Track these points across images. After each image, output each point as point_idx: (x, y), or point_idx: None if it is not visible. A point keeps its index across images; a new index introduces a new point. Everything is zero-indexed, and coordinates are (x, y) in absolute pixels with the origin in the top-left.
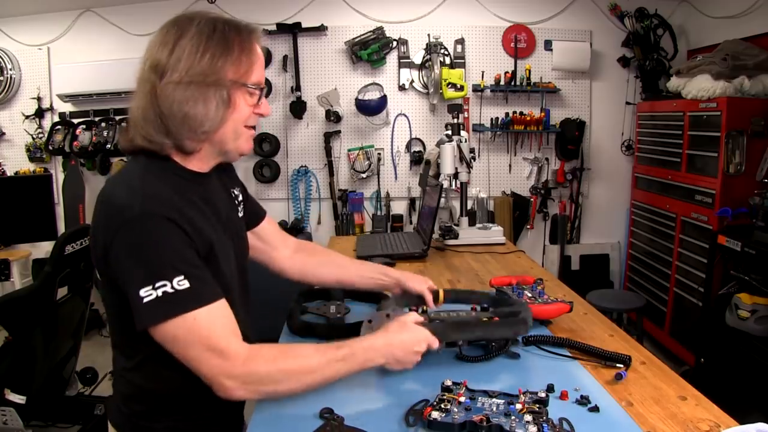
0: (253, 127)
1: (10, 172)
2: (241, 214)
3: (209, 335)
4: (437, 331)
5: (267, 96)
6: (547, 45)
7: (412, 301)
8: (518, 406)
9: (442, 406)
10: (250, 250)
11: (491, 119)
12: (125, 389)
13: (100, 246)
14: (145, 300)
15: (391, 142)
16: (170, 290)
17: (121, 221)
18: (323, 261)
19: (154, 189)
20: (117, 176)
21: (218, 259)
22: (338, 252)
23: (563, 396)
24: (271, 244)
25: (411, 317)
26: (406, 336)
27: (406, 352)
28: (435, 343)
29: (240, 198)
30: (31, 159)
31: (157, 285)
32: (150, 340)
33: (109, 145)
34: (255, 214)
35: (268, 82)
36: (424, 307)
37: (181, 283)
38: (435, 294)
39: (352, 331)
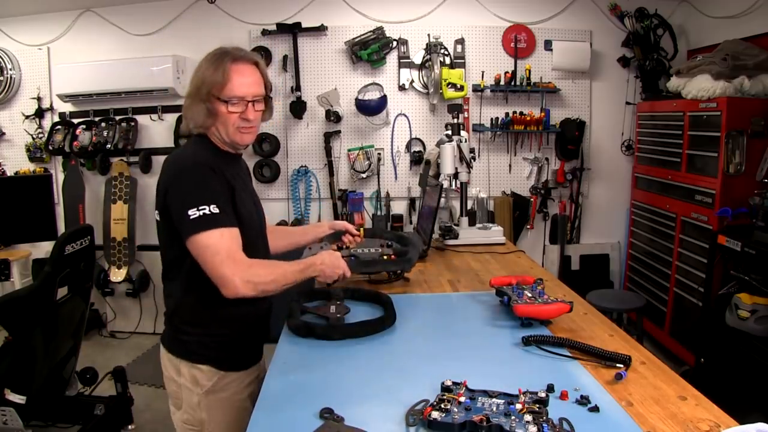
0: (248, 126)
1: (10, 172)
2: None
3: (230, 246)
4: (351, 265)
5: None
6: (547, 45)
7: (338, 238)
8: (518, 406)
9: (442, 406)
10: None
11: (491, 119)
12: (170, 307)
13: (162, 190)
14: (192, 217)
15: (391, 142)
16: (208, 212)
17: (180, 169)
18: (277, 235)
19: (201, 153)
20: (178, 149)
21: (237, 204)
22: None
23: (563, 396)
24: None
25: (336, 252)
26: (330, 260)
27: (331, 269)
28: (348, 273)
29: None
30: (31, 159)
31: (200, 208)
32: (188, 258)
33: (109, 145)
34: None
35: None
36: (345, 245)
37: (214, 209)
38: (358, 230)
39: (350, 331)
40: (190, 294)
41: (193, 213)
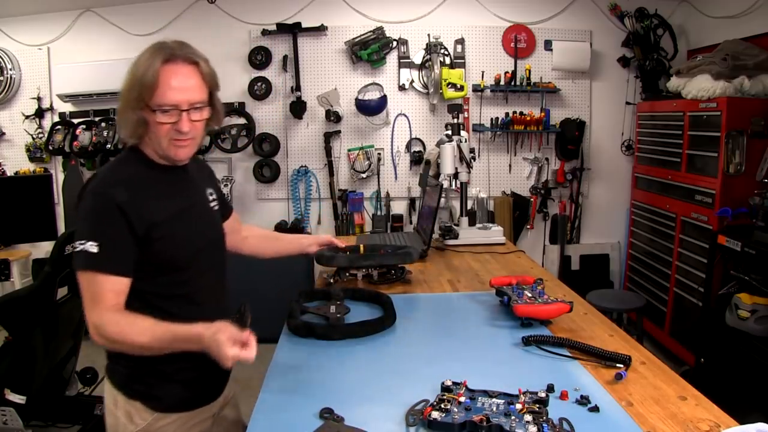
0: (183, 139)
1: (10, 172)
2: (215, 208)
3: (95, 293)
4: (350, 260)
5: (266, 96)
6: (547, 45)
7: (329, 250)
8: (518, 406)
9: (442, 406)
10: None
11: (491, 119)
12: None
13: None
14: (75, 249)
15: (391, 142)
16: (87, 250)
17: (86, 193)
18: (265, 239)
19: (113, 174)
20: (104, 165)
21: (164, 228)
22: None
23: (563, 396)
24: (232, 228)
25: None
26: (214, 347)
27: (216, 353)
28: (228, 363)
29: (214, 197)
30: (31, 159)
31: (81, 242)
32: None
33: (109, 145)
34: (226, 210)
35: (266, 82)
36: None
37: (92, 247)
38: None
39: (351, 331)
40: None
41: (77, 245)
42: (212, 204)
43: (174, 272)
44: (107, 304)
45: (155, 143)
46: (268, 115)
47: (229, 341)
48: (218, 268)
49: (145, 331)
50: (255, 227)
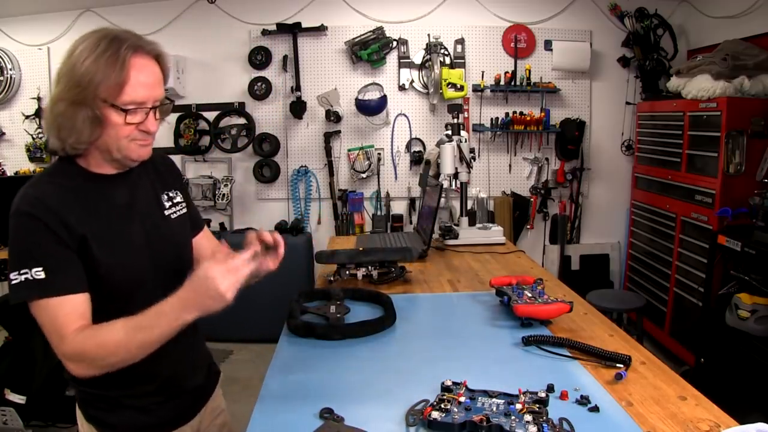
0: (146, 138)
1: (10, 172)
2: (174, 215)
3: (55, 320)
4: (350, 256)
5: (266, 96)
6: (547, 45)
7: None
8: (518, 406)
9: (442, 406)
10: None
11: (491, 119)
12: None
13: None
14: (13, 282)
15: (391, 142)
16: (30, 278)
17: (10, 215)
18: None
19: (37, 190)
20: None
21: (93, 250)
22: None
23: (563, 396)
24: (201, 255)
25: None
26: (208, 279)
27: (212, 296)
28: (244, 271)
29: (177, 200)
30: (31, 159)
31: (22, 271)
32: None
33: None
34: (194, 224)
35: (266, 82)
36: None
37: (38, 273)
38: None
39: (351, 331)
40: None
41: (15, 277)
42: (169, 211)
43: (119, 299)
44: (74, 327)
45: (111, 146)
46: (268, 115)
47: (223, 273)
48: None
49: (117, 330)
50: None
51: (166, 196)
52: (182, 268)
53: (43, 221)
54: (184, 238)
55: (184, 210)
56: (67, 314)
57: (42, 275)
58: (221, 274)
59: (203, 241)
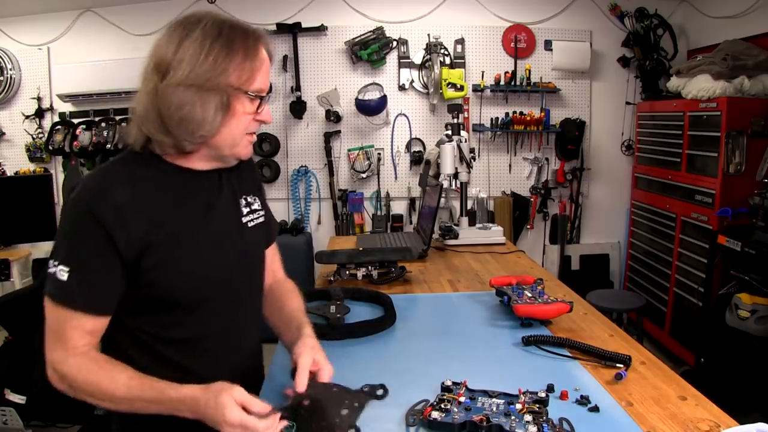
0: (253, 133)
1: (10, 172)
2: (251, 223)
3: (61, 328)
4: (350, 256)
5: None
6: (547, 45)
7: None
8: (518, 406)
9: (442, 406)
10: None
11: (491, 119)
12: None
13: None
14: (48, 270)
15: (391, 142)
16: (57, 275)
17: (67, 200)
18: (273, 308)
19: (104, 182)
20: (98, 166)
21: (158, 258)
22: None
23: (563, 396)
24: (270, 273)
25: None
26: (212, 414)
27: (213, 423)
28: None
29: (255, 207)
30: (31, 159)
31: (55, 263)
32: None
33: (109, 145)
34: (270, 231)
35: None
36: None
37: (62, 274)
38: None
39: (351, 331)
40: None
41: (50, 265)
42: (247, 218)
43: (176, 310)
44: (72, 344)
45: (226, 139)
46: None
47: (236, 405)
48: (247, 306)
49: (119, 383)
50: (287, 288)
51: (244, 201)
52: (255, 282)
53: (103, 226)
54: (259, 249)
55: (262, 219)
56: (72, 329)
57: (64, 277)
58: (239, 406)
59: (266, 258)
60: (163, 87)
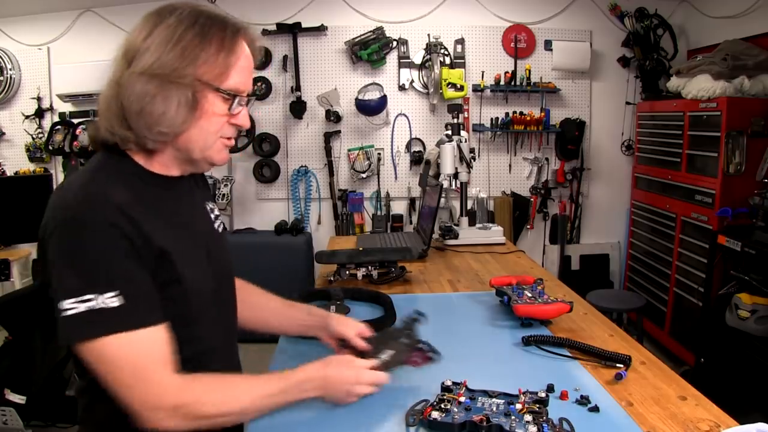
0: (230, 137)
1: (10, 172)
2: (220, 229)
3: (137, 362)
4: (350, 256)
5: (266, 96)
6: (547, 45)
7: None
8: (518, 406)
9: (442, 406)
10: None
11: (491, 119)
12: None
13: (41, 247)
14: (68, 313)
15: (391, 142)
16: (96, 306)
17: (59, 222)
18: (249, 305)
19: (101, 188)
20: (71, 175)
21: (174, 266)
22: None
23: (563, 396)
24: None
25: (354, 361)
26: (343, 376)
27: (344, 391)
28: (381, 379)
29: (216, 213)
30: (31, 159)
31: (84, 298)
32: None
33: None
34: None
35: (266, 82)
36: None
37: (110, 300)
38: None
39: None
40: (100, 403)
41: (71, 306)
42: (216, 224)
43: (185, 326)
44: (166, 369)
45: (194, 141)
46: (268, 115)
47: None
48: (232, 318)
49: (240, 390)
50: (253, 289)
51: (209, 207)
52: (233, 290)
53: (120, 228)
54: (229, 256)
55: (222, 224)
56: (156, 352)
57: (116, 303)
58: (366, 380)
59: None
60: (127, 76)
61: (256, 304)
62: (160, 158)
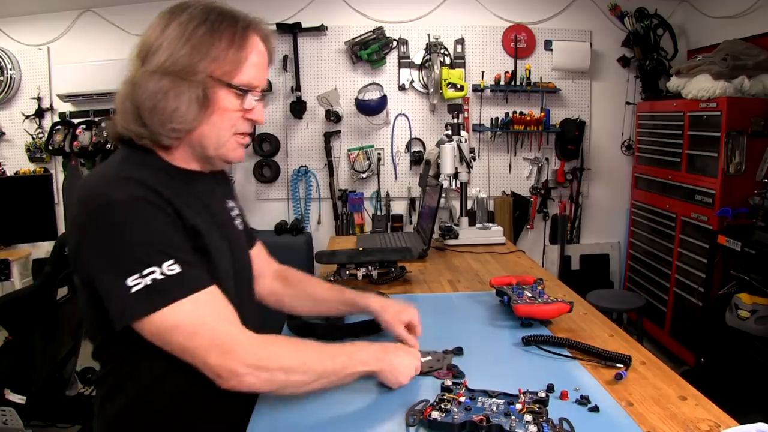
0: (245, 134)
1: (10, 172)
2: (240, 227)
3: (215, 320)
4: (350, 256)
5: (266, 96)
6: (547, 45)
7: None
8: (518, 406)
9: (442, 406)
10: None
11: (491, 119)
12: (97, 399)
13: (73, 242)
14: (134, 290)
15: (391, 142)
16: (160, 276)
17: (93, 210)
18: (298, 293)
19: (129, 173)
20: (94, 170)
21: (205, 241)
22: (317, 278)
23: (563, 396)
24: (256, 271)
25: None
26: (404, 361)
27: (397, 376)
28: (418, 369)
29: (237, 212)
30: (31, 159)
31: (145, 272)
32: (132, 343)
33: (109, 145)
34: (249, 235)
35: (267, 82)
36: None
37: (171, 268)
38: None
39: (351, 331)
40: (119, 392)
41: (135, 282)
42: (237, 221)
43: None
44: (235, 329)
45: (208, 138)
46: (268, 115)
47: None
48: (247, 314)
49: (309, 351)
50: (297, 273)
51: (230, 204)
52: (251, 289)
53: (154, 204)
54: (248, 255)
55: (242, 223)
56: (222, 312)
57: (177, 269)
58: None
59: (258, 255)
60: (141, 74)
61: (309, 297)
62: (179, 154)
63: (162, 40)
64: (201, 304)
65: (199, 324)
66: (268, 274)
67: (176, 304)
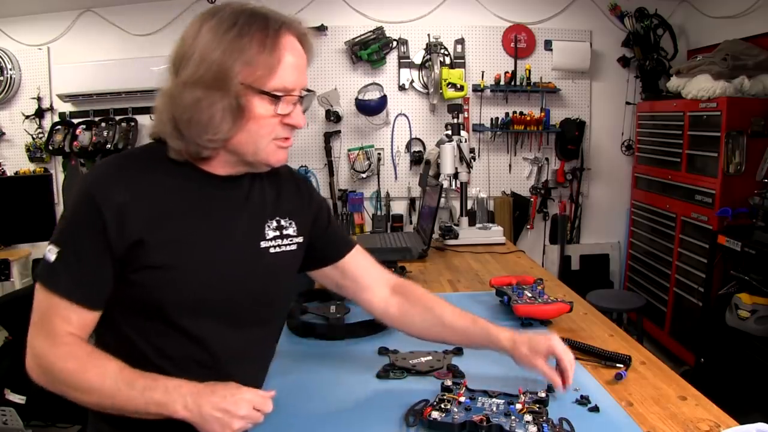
0: (286, 138)
1: (10, 172)
2: (276, 249)
3: (47, 318)
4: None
5: None
6: (547, 45)
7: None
8: (518, 406)
9: (442, 406)
10: (336, 286)
11: (491, 119)
12: None
13: None
14: (46, 256)
15: (391, 142)
16: (46, 255)
17: (76, 188)
18: (426, 316)
19: (116, 172)
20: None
21: (156, 253)
22: (436, 295)
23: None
24: (358, 282)
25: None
26: (223, 391)
27: (220, 409)
28: (267, 407)
29: (287, 232)
30: (31, 159)
31: (49, 248)
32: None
33: (109, 145)
34: (334, 248)
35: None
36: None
37: (51, 253)
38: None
39: (352, 331)
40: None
41: (47, 249)
42: (269, 243)
43: (161, 319)
44: (57, 333)
45: (245, 145)
46: None
47: (250, 403)
48: (250, 335)
49: (108, 370)
50: (419, 288)
51: (274, 224)
52: (264, 312)
53: (102, 215)
54: (279, 278)
55: (294, 246)
56: (60, 318)
57: (52, 257)
58: (247, 399)
59: (356, 263)
60: (174, 86)
61: (439, 323)
62: (217, 161)
63: (194, 48)
64: (50, 300)
65: (38, 310)
66: (383, 286)
67: (38, 285)
